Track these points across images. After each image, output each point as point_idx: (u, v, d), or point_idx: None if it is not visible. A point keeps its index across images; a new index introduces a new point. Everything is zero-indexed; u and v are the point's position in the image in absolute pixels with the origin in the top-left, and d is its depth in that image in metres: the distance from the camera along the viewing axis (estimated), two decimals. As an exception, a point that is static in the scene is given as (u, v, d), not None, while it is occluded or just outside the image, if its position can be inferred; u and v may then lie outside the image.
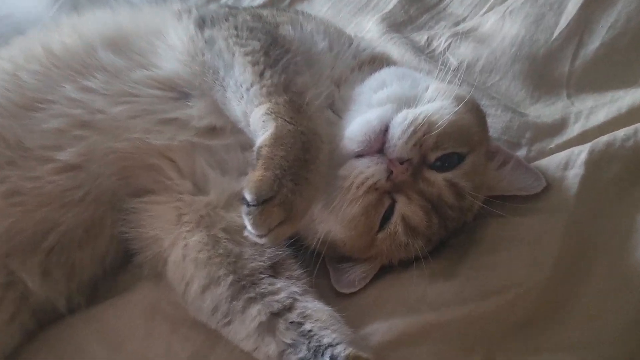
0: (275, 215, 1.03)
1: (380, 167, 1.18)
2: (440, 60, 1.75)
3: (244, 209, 1.04)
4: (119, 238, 1.36)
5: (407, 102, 1.24)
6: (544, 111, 1.57)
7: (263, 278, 1.25)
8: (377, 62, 1.45)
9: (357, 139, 1.19)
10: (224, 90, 1.25)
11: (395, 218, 1.23)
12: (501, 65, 1.71)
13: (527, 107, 1.61)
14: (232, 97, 1.24)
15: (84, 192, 1.29)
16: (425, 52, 1.78)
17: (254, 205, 1.02)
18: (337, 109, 1.34)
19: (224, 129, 1.33)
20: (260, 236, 1.05)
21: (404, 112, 1.20)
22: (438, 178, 1.22)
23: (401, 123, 1.18)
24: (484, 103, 1.58)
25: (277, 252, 1.29)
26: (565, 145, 1.45)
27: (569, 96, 1.60)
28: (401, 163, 1.18)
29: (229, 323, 1.24)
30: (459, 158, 1.24)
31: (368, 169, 1.18)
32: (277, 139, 1.09)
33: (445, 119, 1.19)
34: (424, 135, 1.18)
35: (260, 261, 1.26)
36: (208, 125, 1.32)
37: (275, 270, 1.28)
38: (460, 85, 1.53)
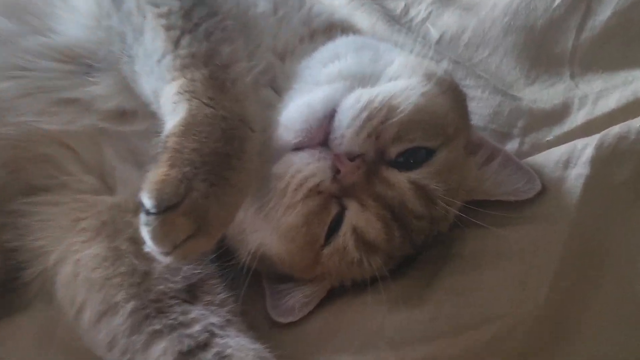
0: (182, 227, 0.87)
1: (323, 165, 1.01)
2: (418, 31, 1.59)
3: (142, 217, 0.87)
4: (8, 248, 1.16)
5: (364, 80, 1.08)
6: (541, 94, 1.42)
7: (174, 305, 1.06)
8: (335, 31, 1.28)
9: (294, 127, 1.03)
10: (133, 62, 1.08)
11: (345, 230, 1.06)
12: (491, 38, 1.54)
13: (522, 89, 1.47)
14: (141, 72, 1.07)
15: None
16: (401, 22, 1.61)
17: (154, 214, 0.86)
18: (279, 88, 1.17)
19: (135, 113, 1.15)
20: (164, 254, 0.88)
21: (358, 92, 1.04)
22: (400, 179, 1.05)
23: (352, 107, 1.01)
24: (468, 83, 1.45)
25: (195, 271, 1.11)
26: (566, 137, 1.29)
27: (572, 76, 1.43)
28: (351, 159, 1.01)
29: None
30: (428, 153, 1.08)
31: (307, 167, 1.01)
32: (188, 126, 0.93)
33: (411, 102, 1.04)
34: (381, 123, 1.02)
35: (172, 282, 1.08)
36: (116, 108, 1.15)
37: (191, 294, 1.10)
38: (439, 61, 1.42)
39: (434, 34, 1.61)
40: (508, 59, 1.52)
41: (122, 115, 1.16)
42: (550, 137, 1.33)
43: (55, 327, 1.13)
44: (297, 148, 1.03)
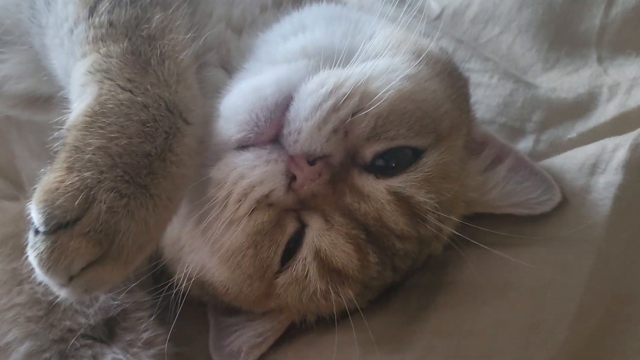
0: (78, 253, 0.73)
1: (273, 169, 0.87)
2: (416, 4, 1.35)
3: (30, 237, 0.75)
4: None
5: (335, 58, 0.92)
6: (562, 82, 1.31)
7: (83, 347, 0.96)
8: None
9: (237, 118, 0.87)
10: (43, 33, 0.96)
11: (305, 253, 0.92)
12: (502, 13, 1.43)
13: (539, 75, 1.36)
14: (51, 45, 0.95)
15: None
16: None
17: (43, 233, 0.73)
18: (233, 68, 1.04)
19: (50, 98, 1.04)
20: (59, 285, 0.75)
21: (324, 74, 0.89)
22: (377, 188, 0.90)
23: (313, 92, 0.86)
24: (473, 67, 1.36)
25: (116, 301, 1.00)
26: (593, 136, 1.19)
27: (600, 60, 1.32)
28: (311, 162, 0.86)
29: None
30: (415, 155, 0.93)
31: (253, 172, 0.86)
32: (94, 117, 0.79)
33: (392, 87, 0.88)
34: (352, 114, 0.86)
35: (83, 316, 0.98)
36: (27, 92, 1.05)
37: (109, 331, 0.99)
38: (438, 39, 1.27)
39: (435, 7, 1.49)
40: (523, 38, 1.41)
41: (34, 101, 1.06)
42: (572, 135, 1.24)
43: None
44: (241, 146, 0.88)
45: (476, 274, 1.01)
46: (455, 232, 1.01)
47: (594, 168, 1.07)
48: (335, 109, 0.86)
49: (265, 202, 0.88)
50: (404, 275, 1.03)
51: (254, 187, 0.87)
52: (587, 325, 0.96)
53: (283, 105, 0.87)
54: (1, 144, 1.09)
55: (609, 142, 1.10)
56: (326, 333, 1.00)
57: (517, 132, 1.27)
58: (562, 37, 1.38)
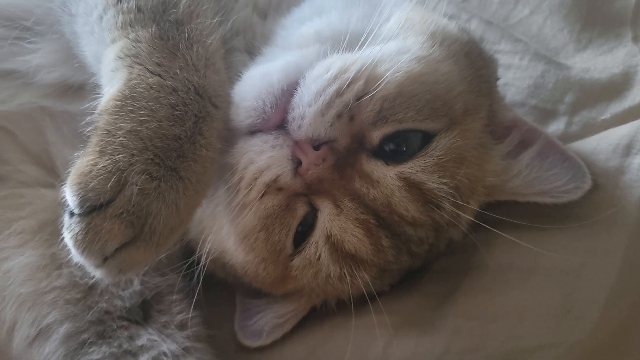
0: (112, 234, 0.73)
1: (279, 154, 0.85)
2: None
3: (65, 219, 0.74)
4: None
5: (349, 42, 0.89)
6: (595, 62, 1.26)
7: (119, 328, 0.96)
8: None
9: (245, 105, 0.85)
10: (73, 21, 0.95)
11: (317, 236, 0.91)
12: None
13: (571, 55, 1.30)
14: (81, 33, 0.94)
15: None
16: None
17: (77, 215, 0.73)
18: (257, 52, 1.01)
19: (82, 87, 1.02)
20: (94, 266, 0.75)
21: (332, 58, 0.86)
22: (387, 174, 0.88)
23: (318, 78, 0.83)
24: (503, 48, 1.31)
25: (150, 284, 1.00)
26: (627, 116, 1.14)
27: (635, 40, 1.26)
28: (316, 147, 0.85)
29: None
30: (425, 139, 0.90)
31: (261, 156, 0.85)
32: (125, 101, 0.78)
33: (399, 69, 0.85)
34: (357, 98, 0.84)
35: (119, 299, 0.97)
36: (60, 81, 1.03)
37: (144, 312, 0.99)
38: (467, 21, 1.28)
39: None
40: (554, 19, 1.36)
41: (66, 90, 1.04)
42: (606, 116, 1.19)
43: None
44: (250, 132, 0.88)
45: (503, 258, 0.99)
46: (474, 219, 0.98)
47: (628, 149, 1.04)
48: (339, 93, 0.84)
49: (274, 187, 0.87)
50: (425, 260, 1.01)
51: (262, 171, 0.86)
52: (619, 310, 0.94)
53: (289, 91, 0.85)
54: (36, 134, 1.07)
55: None
56: (351, 318, 0.98)
57: (549, 114, 1.23)
58: (595, 17, 1.33)
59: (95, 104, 0.85)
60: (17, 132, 1.05)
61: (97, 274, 0.77)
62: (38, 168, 1.07)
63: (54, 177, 1.07)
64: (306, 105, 0.83)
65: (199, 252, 0.95)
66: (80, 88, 1.03)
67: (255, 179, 0.86)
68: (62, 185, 0.98)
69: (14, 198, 1.04)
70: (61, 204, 0.98)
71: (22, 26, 1.01)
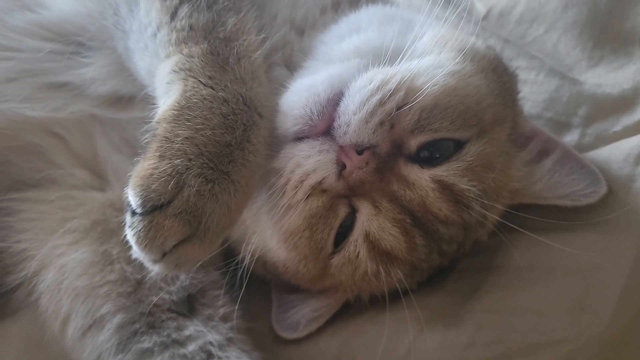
0: (171, 232, 0.77)
1: (325, 158, 0.89)
2: (463, 6, 1.37)
3: (127, 218, 0.79)
4: None
5: (386, 57, 0.93)
6: (607, 78, 1.30)
7: (168, 319, 0.99)
8: (363, 1, 1.14)
9: (294, 113, 0.89)
10: (126, 38, 0.99)
11: (356, 236, 0.94)
12: (548, 13, 1.42)
13: (584, 71, 1.34)
14: (135, 48, 0.98)
15: None
16: None
17: (139, 214, 0.77)
18: (295, 66, 1.05)
19: (132, 98, 1.07)
20: (152, 261, 0.80)
21: (373, 71, 0.91)
22: (422, 176, 0.91)
23: (362, 89, 0.88)
24: (520, 65, 1.34)
25: (195, 279, 1.03)
26: (637, 128, 1.18)
27: None
28: (359, 152, 0.88)
29: None
30: (457, 146, 0.94)
31: (308, 161, 0.89)
32: (181, 111, 0.83)
33: (436, 83, 0.89)
34: (397, 108, 0.88)
35: (167, 293, 1.01)
36: (111, 92, 1.07)
37: (189, 306, 1.02)
38: (485, 39, 1.32)
39: (481, 8, 1.48)
40: (568, 37, 1.39)
41: (117, 101, 1.09)
42: (617, 128, 1.22)
43: (42, 337, 1.06)
44: (298, 138, 0.91)
45: (524, 258, 1.01)
46: (500, 219, 1.01)
47: (639, 158, 1.07)
48: (381, 103, 0.87)
49: (319, 189, 0.91)
50: (452, 259, 1.04)
51: (309, 174, 0.89)
52: (632, 306, 0.96)
53: (334, 100, 0.89)
54: (87, 140, 1.10)
55: None
56: (383, 312, 1.01)
57: (563, 126, 1.25)
58: (606, 36, 1.36)
59: (151, 113, 0.90)
60: (69, 138, 1.09)
61: (155, 268, 0.81)
62: (88, 172, 1.11)
63: (103, 180, 1.12)
64: (351, 114, 0.87)
65: (243, 252, 0.99)
66: (130, 99, 1.08)
67: (302, 181, 0.90)
68: (112, 191, 1.05)
69: (67, 199, 1.08)
70: (110, 206, 1.06)
71: (77, 42, 1.06)
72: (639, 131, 1.15)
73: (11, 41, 1.05)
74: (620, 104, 1.23)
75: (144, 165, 0.79)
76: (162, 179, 0.77)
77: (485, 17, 1.46)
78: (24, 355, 1.07)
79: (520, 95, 1.18)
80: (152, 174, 0.78)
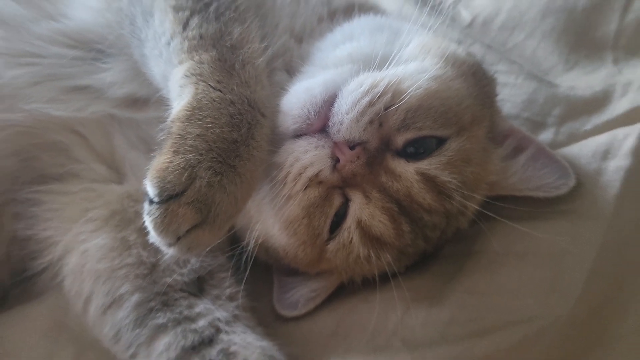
0: (185, 218, 0.83)
1: (321, 153, 0.95)
2: (449, 14, 1.51)
3: (145, 206, 0.85)
4: (21, 237, 1.16)
5: (376, 62, 1.00)
6: (580, 81, 1.34)
7: (180, 298, 1.05)
8: (356, 11, 1.21)
9: (293, 113, 0.96)
10: (142, 46, 1.05)
11: (349, 223, 1.00)
12: (527, 21, 1.46)
13: (560, 75, 1.39)
14: (150, 55, 1.03)
15: None
16: (430, 5, 1.51)
17: (156, 203, 0.83)
18: (295, 71, 1.11)
19: (147, 100, 1.12)
20: (167, 245, 0.86)
21: (363, 76, 0.97)
22: (407, 169, 0.97)
23: (353, 91, 0.94)
24: (501, 69, 1.38)
25: (204, 263, 1.09)
26: (606, 127, 1.21)
27: (615, 62, 1.35)
28: (351, 147, 0.94)
29: (133, 356, 1.02)
30: (440, 143, 0.99)
31: (305, 155, 0.95)
32: (193, 111, 0.89)
33: (419, 86, 0.95)
34: (385, 108, 0.94)
35: (179, 275, 1.07)
36: (128, 95, 1.13)
37: (199, 287, 1.09)
38: (470, 45, 1.36)
39: (466, 16, 1.53)
40: (545, 44, 1.44)
41: (133, 102, 1.14)
42: (588, 127, 1.25)
43: (65, 316, 1.13)
44: (297, 135, 0.97)
45: (501, 244, 1.06)
46: (479, 209, 1.06)
47: (605, 154, 1.11)
48: (370, 104, 0.93)
49: (316, 180, 0.96)
50: (436, 246, 1.09)
51: (307, 167, 0.95)
52: (597, 288, 1.00)
53: (329, 102, 0.95)
54: (106, 138, 1.15)
55: (620, 132, 1.13)
56: (373, 292, 1.06)
57: (539, 125, 1.28)
58: (581, 42, 1.40)
59: (165, 114, 0.96)
60: (89, 136, 1.15)
61: (169, 251, 0.86)
62: (106, 167, 1.17)
63: (121, 174, 1.17)
64: (344, 113, 0.93)
65: (247, 239, 1.04)
66: (145, 101, 1.13)
67: (300, 174, 0.96)
68: (129, 184, 1.10)
69: (87, 192, 1.14)
70: (127, 198, 1.11)
71: (97, 49, 1.11)
72: (607, 129, 1.18)
73: (37, 48, 1.10)
74: (592, 104, 1.26)
75: (160, 160, 0.84)
76: (176, 172, 0.82)
77: (470, 24, 1.50)
78: (48, 333, 1.11)
79: (500, 97, 1.22)
80: (167, 167, 0.83)
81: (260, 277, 1.15)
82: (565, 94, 1.31)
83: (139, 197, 1.11)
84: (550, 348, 0.98)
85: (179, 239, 0.84)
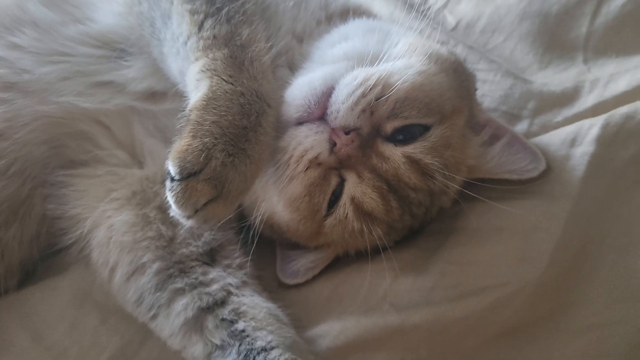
0: (202, 193, 0.90)
1: (320, 138, 1.03)
2: (436, 18, 1.57)
3: (167, 183, 0.92)
4: (51, 216, 1.24)
5: (368, 59, 1.07)
6: (553, 78, 1.41)
7: (195, 266, 1.14)
8: (351, 14, 1.27)
9: (295, 103, 1.04)
10: (161, 45, 1.12)
11: (344, 200, 1.07)
12: (506, 25, 1.52)
13: (535, 73, 1.45)
14: (168, 53, 1.10)
15: (7, 163, 1.18)
16: (419, 10, 1.60)
17: (177, 180, 0.90)
18: (296, 68, 1.18)
19: (165, 93, 1.20)
20: (186, 217, 0.93)
21: (357, 71, 1.04)
22: (395, 152, 1.05)
23: (349, 84, 1.02)
24: (481, 67, 1.46)
25: (216, 236, 1.18)
26: (574, 119, 1.28)
27: (585, 61, 1.42)
28: (346, 133, 1.02)
29: (154, 317, 1.11)
30: (424, 129, 1.07)
31: (306, 140, 1.03)
32: (209, 101, 0.96)
33: (406, 80, 1.03)
34: (376, 99, 1.02)
35: (194, 246, 1.15)
36: (147, 89, 1.20)
37: (212, 257, 1.17)
38: (454, 46, 1.42)
39: (451, 21, 1.60)
40: (522, 45, 1.50)
41: (152, 95, 1.21)
42: (559, 119, 1.32)
43: (90, 287, 1.22)
44: (299, 123, 1.05)
45: (479, 221, 1.13)
46: (460, 189, 1.12)
47: (573, 142, 1.17)
48: (363, 95, 1.01)
49: (315, 162, 1.04)
50: (422, 222, 1.16)
51: (307, 151, 1.03)
52: (563, 258, 1.07)
53: (327, 93, 1.02)
54: (127, 127, 1.22)
55: (586, 122, 1.20)
56: (366, 263, 1.12)
57: (515, 118, 1.35)
58: (555, 43, 1.47)
59: (183, 105, 1.03)
60: (112, 126, 1.22)
61: (188, 223, 0.94)
62: (127, 153, 1.24)
63: (140, 160, 1.24)
64: (340, 103, 1.01)
65: (254, 215, 1.12)
66: (163, 94, 1.20)
67: (302, 156, 1.03)
68: (147, 166, 1.16)
69: (111, 175, 1.21)
70: (146, 180, 1.18)
71: (120, 49, 1.19)
72: (575, 121, 1.24)
73: (66, 48, 1.18)
74: (562, 99, 1.34)
75: (181, 143, 0.92)
76: (195, 153, 0.90)
77: (455, 28, 1.57)
78: (73, 302, 1.20)
79: (480, 92, 1.30)
80: (187, 149, 0.91)
81: (265, 250, 1.22)
82: (539, 89, 1.38)
83: (156, 179, 1.21)
84: (520, 310, 1.05)
85: (196, 211, 0.92)
